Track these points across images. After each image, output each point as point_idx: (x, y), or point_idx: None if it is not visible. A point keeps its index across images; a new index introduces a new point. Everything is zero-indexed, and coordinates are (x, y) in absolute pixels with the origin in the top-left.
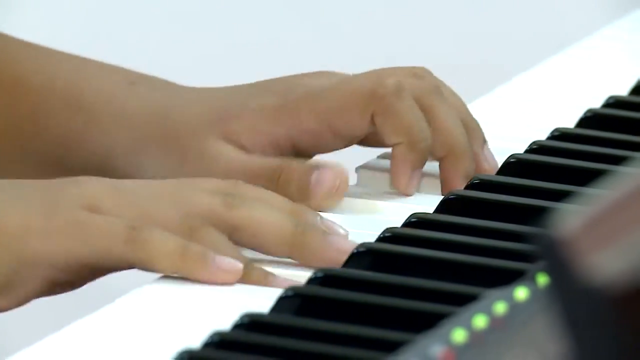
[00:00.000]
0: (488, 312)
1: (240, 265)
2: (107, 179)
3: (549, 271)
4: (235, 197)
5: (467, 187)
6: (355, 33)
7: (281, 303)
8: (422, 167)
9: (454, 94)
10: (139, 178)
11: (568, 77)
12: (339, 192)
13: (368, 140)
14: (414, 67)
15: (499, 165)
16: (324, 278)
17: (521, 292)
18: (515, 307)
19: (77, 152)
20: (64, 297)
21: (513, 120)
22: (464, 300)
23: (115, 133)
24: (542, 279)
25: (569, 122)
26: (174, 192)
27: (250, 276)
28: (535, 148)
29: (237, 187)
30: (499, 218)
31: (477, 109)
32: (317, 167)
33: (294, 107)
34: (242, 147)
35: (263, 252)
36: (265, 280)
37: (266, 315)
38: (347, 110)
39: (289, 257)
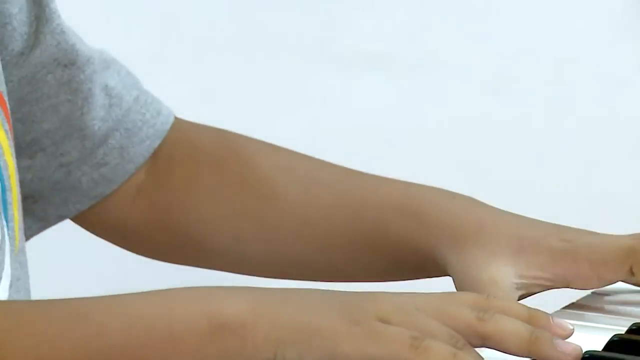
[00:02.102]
0: None
1: None
2: (395, 298)
3: None
4: (486, 312)
5: None
6: None
7: None
8: None
9: None
10: (445, 269)
11: None
12: None
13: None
14: None
15: None
16: None
17: None
18: None
19: (408, 250)
20: None
21: None
22: None
23: (439, 235)
24: None
25: None
26: (441, 307)
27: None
28: (635, 329)
29: (489, 302)
30: None
31: None
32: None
33: (575, 255)
34: (521, 277)
35: (506, 353)
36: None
37: None
38: (612, 262)
39: (528, 357)
